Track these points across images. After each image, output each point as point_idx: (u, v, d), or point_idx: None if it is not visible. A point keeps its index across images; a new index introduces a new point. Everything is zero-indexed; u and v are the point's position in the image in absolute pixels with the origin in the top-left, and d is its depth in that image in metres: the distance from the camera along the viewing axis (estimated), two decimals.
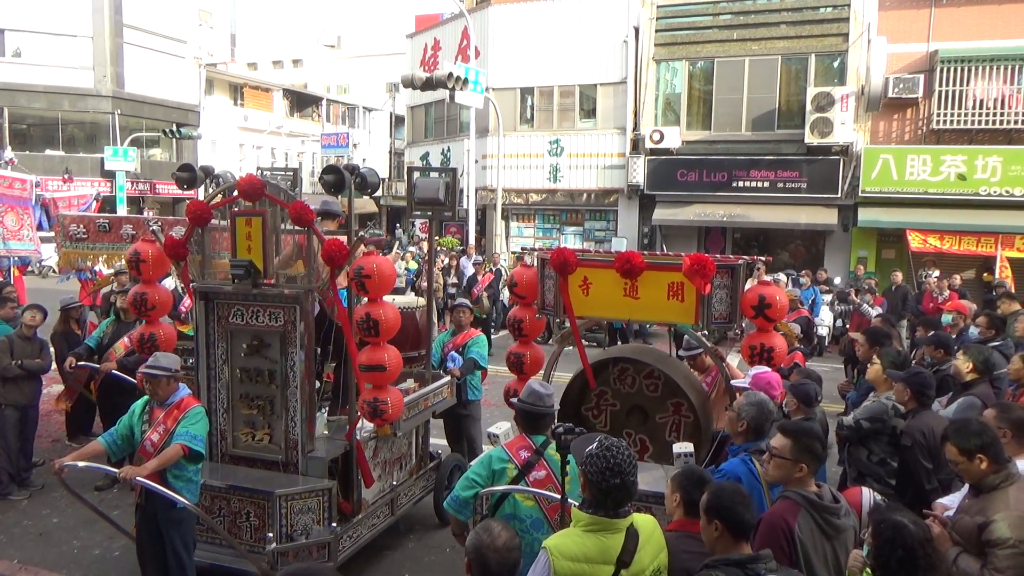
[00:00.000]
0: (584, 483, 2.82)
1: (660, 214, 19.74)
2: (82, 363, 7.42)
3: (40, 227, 13.25)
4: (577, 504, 2.99)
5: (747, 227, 19.47)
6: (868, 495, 3.59)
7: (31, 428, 7.33)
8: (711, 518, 2.84)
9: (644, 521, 2.90)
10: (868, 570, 2.61)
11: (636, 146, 20.15)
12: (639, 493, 4.21)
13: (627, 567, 2.71)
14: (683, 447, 4.49)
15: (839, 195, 17.94)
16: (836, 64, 18.26)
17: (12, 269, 13.25)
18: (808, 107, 17.54)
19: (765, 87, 18.84)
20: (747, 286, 4.91)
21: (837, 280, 16.55)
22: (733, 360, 6.77)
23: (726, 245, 20.11)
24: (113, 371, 7.20)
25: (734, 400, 4.79)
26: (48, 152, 31.51)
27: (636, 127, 20.20)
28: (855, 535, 3.18)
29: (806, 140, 17.62)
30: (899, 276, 14.18)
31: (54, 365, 7.77)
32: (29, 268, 15.59)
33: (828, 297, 14.64)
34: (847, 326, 13.24)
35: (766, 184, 18.59)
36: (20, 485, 7.15)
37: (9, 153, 27.28)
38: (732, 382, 4.92)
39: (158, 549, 4.68)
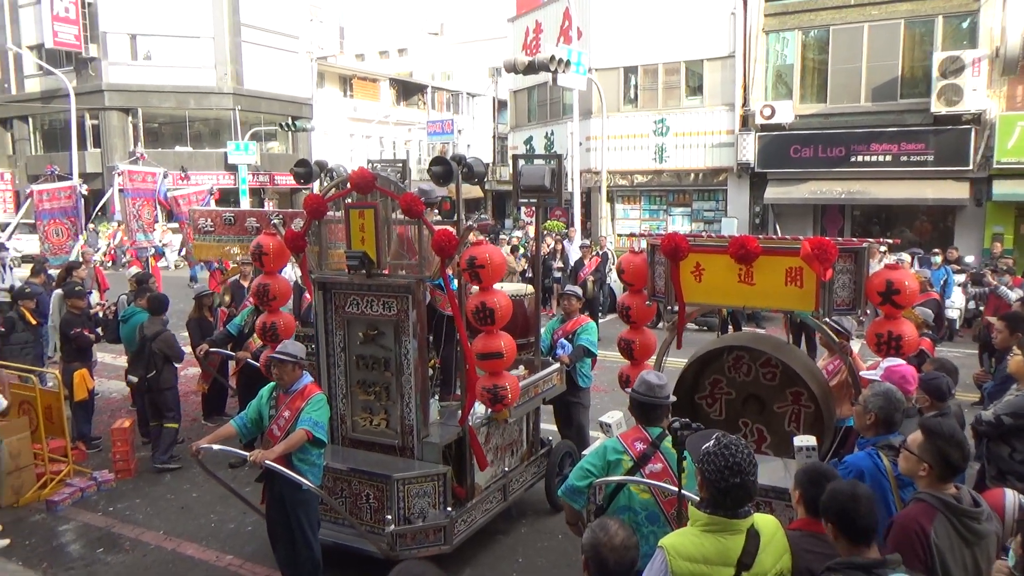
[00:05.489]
0: (701, 482, 2.74)
1: (772, 192, 19.00)
2: (215, 349, 7.90)
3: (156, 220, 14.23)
4: (695, 499, 2.93)
5: (867, 204, 18.45)
6: (1012, 498, 3.33)
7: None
8: (826, 519, 2.74)
9: (766, 522, 2.80)
10: None
11: (746, 122, 19.44)
12: (758, 488, 4.10)
13: (748, 569, 2.62)
14: (804, 440, 4.31)
15: (971, 167, 16.69)
16: (966, 25, 16.93)
17: (150, 260, 14.30)
18: (935, 73, 16.39)
19: (886, 54, 17.71)
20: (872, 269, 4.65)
21: (969, 259, 15.41)
22: (855, 346, 6.45)
23: (844, 224, 19.14)
24: (249, 359, 7.64)
25: (860, 391, 4.56)
26: (177, 148, 33.66)
27: (745, 102, 19.48)
28: (998, 541, 2.96)
29: (932, 109, 16.49)
30: None
31: (189, 349, 8.33)
32: (165, 264, 16.77)
33: (960, 278, 13.67)
34: (981, 309, 12.31)
35: (888, 158, 17.54)
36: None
37: (140, 148, 29.33)
38: (862, 373, 4.67)
39: (286, 527, 4.94)
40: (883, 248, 6.31)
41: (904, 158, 17.38)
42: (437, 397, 6.14)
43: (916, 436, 3.06)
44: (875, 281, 4.52)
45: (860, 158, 17.84)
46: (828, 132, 18.26)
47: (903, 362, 4.37)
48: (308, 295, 8.37)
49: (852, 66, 18.15)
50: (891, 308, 4.52)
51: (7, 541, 6.16)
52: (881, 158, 17.63)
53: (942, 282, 12.68)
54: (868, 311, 4.86)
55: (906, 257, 11.83)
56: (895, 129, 17.45)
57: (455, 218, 5.79)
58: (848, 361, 5.10)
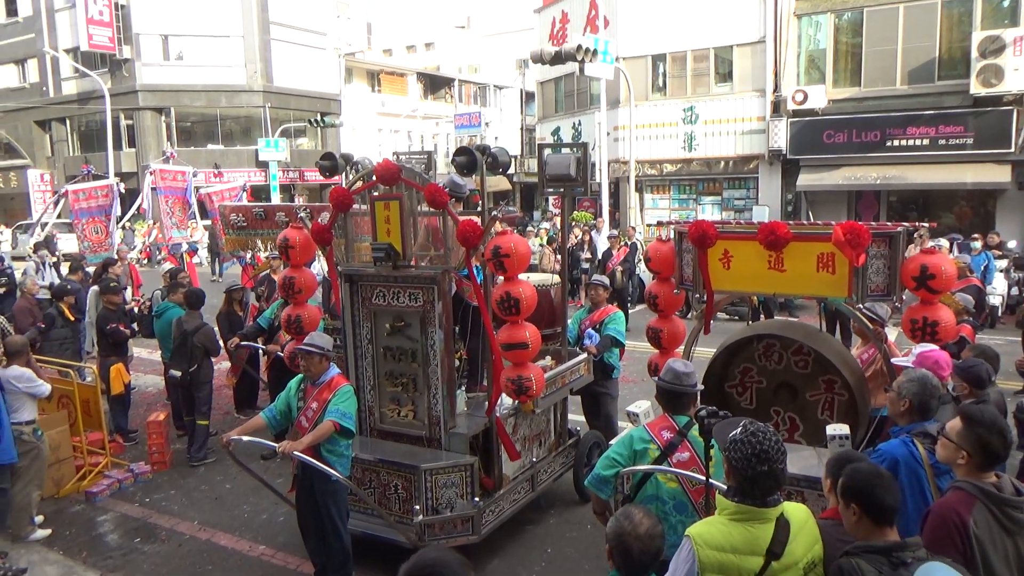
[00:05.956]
0: (728, 470, 2.69)
1: (805, 179, 18.68)
2: (244, 343, 7.99)
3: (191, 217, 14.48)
4: (722, 488, 2.88)
5: (904, 189, 18.06)
6: None
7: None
8: (848, 502, 2.65)
9: (796, 510, 2.73)
10: None
11: (777, 108, 19.13)
12: (789, 477, 4.02)
13: (778, 559, 2.56)
14: (837, 429, 4.21)
15: (1012, 150, 16.23)
16: (1007, 3, 16.44)
17: (184, 256, 14.54)
18: (974, 54, 15.94)
19: (923, 35, 17.28)
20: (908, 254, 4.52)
21: (1012, 244, 15.00)
22: (891, 334, 6.31)
23: (880, 210, 18.75)
24: (279, 353, 7.70)
25: (894, 378, 4.45)
26: (209, 147, 34.15)
27: (777, 88, 19.16)
28: None
29: (972, 91, 16.05)
30: None
31: (221, 343, 8.43)
32: (198, 261, 17.05)
33: (1002, 263, 13.30)
34: None
35: (925, 142, 17.13)
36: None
37: (169, 148, 29.82)
38: (893, 360, 4.55)
39: (316, 517, 4.98)
40: (921, 232, 6.15)
41: (942, 141, 16.96)
42: (464, 388, 6.13)
43: (955, 423, 2.95)
44: (910, 266, 4.39)
45: (896, 142, 17.45)
46: (863, 116, 17.89)
47: (935, 347, 4.25)
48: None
49: (887, 48, 17.73)
50: (926, 293, 4.40)
51: (48, 531, 6.31)
52: (918, 142, 17.23)
53: (983, 268, 12.37)
54: (905, 297, 4.73)
55: (944, 243, 11.56)
56: (932, 112, 17.04)
57: (479, 208, 5.76)
58: (883, 348, 4.98)
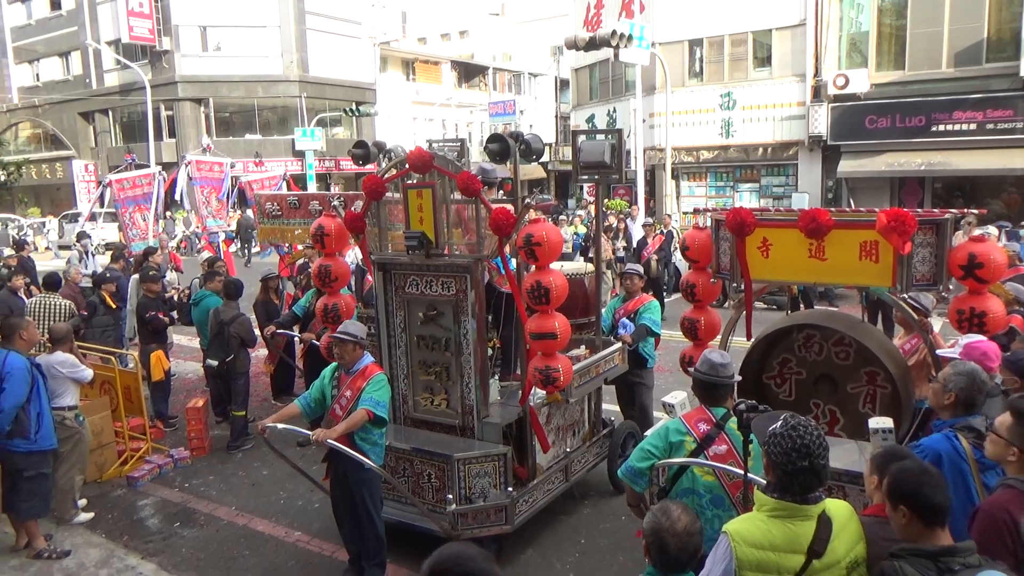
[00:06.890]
0: (768, 465, 2.61)
1: (846, 166, 18.26)
2: (281, 331, 8.07)
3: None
4: (761, 483, 2.80)
5: (949, 176, 17.56)
6: None
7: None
8: (896, 503, 2.53)
9: (838, 508, 2.64)
10: None
11: (817, 93, 18.72)
12: (830, 472, 3.91)
13: (819, 557, 2.48)
14: (880, 423, 4.09)
15: None
16: None
17: (221, 245, 14.74)
18: None
19: (970, 16, 16.74)
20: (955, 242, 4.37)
21: None
22: (936, 324, 6.12)
23: (924, 197, 18.27)
24: (314, 341, 7.76)
25: (939, 370, 4.30)
26: (247, 136, 34.58)
27: (817, 72, 18.74)
28: None
29: (1021, 73, 15.51)
30: None
31: (258, 331, 8.53)
32: (235, 249, 17.21)
33: None
34: None
35: (972, 126, 16.62)
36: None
37: (206, 140, 30.26)
38: (939, 352, 4.41)
39: (350, 505, 5.01)
40: (969, 220, 5.95)
41: (990, 126, 16.44)
42: (497, 377, 6.11)
43: (1005, 419, 2.84)
44: (957, 254, 4.25)
45: (941, 127, 16.97)
46: (906, 101, 17.41)
47: (983, 338, 4.09)
48: (370, 277, 8.44)
49: (933, 30, 17.21)
50: (974, 283, 4.26)
51: (91, 515, 6.45)
52: (964, 127, 16.73)
53: None
54: (951, 286, 4.58)
55: (993, 230, 11.19)
56: (980, 95, 16.52)
57: (513, 196, 5.71)
58: (928, 339, 4.83)
